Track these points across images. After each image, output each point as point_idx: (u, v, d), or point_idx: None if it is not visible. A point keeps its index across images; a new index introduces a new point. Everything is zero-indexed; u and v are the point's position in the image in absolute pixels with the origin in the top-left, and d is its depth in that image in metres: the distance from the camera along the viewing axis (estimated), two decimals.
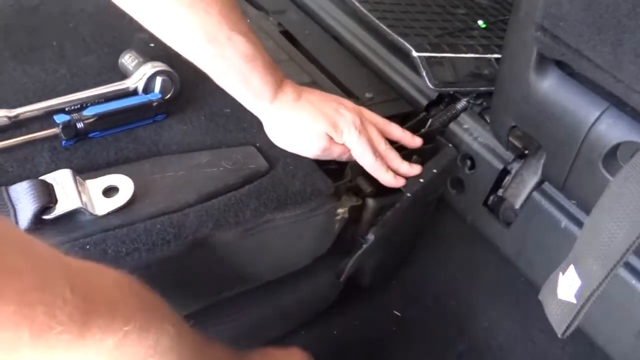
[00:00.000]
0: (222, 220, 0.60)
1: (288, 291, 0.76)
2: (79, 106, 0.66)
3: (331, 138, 0.67)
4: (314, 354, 0.76)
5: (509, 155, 0.73)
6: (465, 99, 0.80)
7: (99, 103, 0.67)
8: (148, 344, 0.44)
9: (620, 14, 0.47)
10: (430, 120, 0.80)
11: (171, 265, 0.58)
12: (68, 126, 0.62)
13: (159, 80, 0.70)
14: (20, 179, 0.56)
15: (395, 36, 0.83)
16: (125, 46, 0.74)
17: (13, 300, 0.33)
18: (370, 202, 0.72)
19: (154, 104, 0.67)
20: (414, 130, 0.76)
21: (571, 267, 0.46)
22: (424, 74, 0.78)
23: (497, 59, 0.84)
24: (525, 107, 0.63)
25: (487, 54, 0.86)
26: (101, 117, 0.64)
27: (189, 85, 0.73)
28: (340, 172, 0.72)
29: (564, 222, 0.68)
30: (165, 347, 0.47)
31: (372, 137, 0.69)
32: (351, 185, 0.72)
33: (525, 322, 0.85)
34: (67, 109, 0.65)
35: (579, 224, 0.67)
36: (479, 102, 0.80)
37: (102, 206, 0.57)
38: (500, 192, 0.75)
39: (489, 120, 0.77)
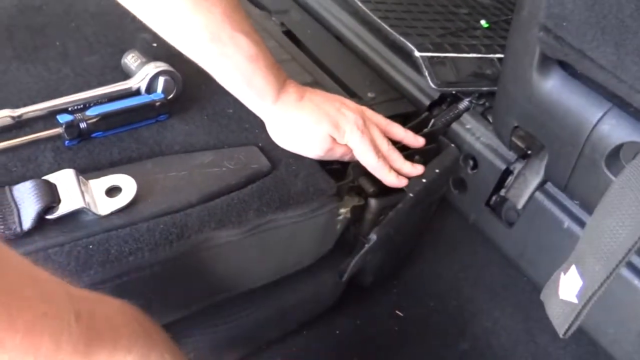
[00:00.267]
0: (225, 220, 0.60)
1: (290, 291, 0.76)
2: (82, 106, 0.66)
3: (334, 138, 0.67)
4: (315, 353, 0.76)
5: (511, 156, 0.73)
6: (467, 99, 0.80)
7: (102, 103, 0.67)
8: None
9: (624, 15, 0.47)
10: (432, 120, 0.80)
11: (174, 265, 0.58)
12: (71, 126, 0.62)
13: (161, 80, 0.70)
14: (24, 179, 0.56)
15: (398, 36, 0.83)
16: (128, 46, 0.74)
17: (21, 330, 0.34)
18: (373, 202, 0.72)
19: (157, 104, 0.67)
20: (417, 130, 0.76)
21: (573, 267, 0.46)
22: (427, 73, 0.78)
23: (499, 59, 0.84)
24: (528, 107, 0.63)
25: (489, 53, 0.85)
26: (104, 117, 0.64)
27: (191, 86, 0.73)
28: (342, 172, 0.72)
29: (567, 222, 0.68)
30: None
31: (375, 137, 0.69)
32: (353, 185, 0.72)
33: (528, 322, 0.85)
34: (70, 109, 0.65)
35: (582, 224, 0.67)
36: (481, 102, 0.80)
37: (105, 206, 0.57)
38: (502, 192, 0.75)
39: (491, 120, 0.77)
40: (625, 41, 0.48)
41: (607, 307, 0.60)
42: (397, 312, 0.89)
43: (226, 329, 0.71)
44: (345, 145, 0.68)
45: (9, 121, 0.62)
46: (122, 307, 0.46)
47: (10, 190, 0.55)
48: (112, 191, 0.58)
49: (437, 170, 0.73)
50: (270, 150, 0.69)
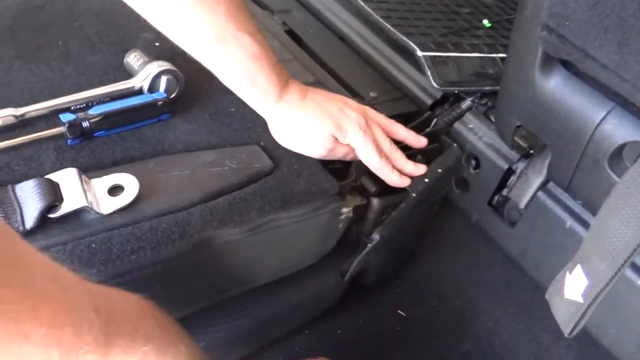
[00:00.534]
0: (227, 219, 0.60)
1: (292, 290, 0.76)
2: (84, 105, 0.66)
3: (336, 138, 0.67)
4: (317, 353, 0.76)
5: (514, 155, 0.73)
6: (470, 99, 0.80)
7: (104, 102, 0.67)
8: None
9: (627, 14, 0.47)
10: (435, 119, 0.80)
11: (176, 264, 0.58)
12: (74, 125, 0.62)
13: (164, 79, 0.70)
14: (26, 178, 0.56)
15: (400, 35, 0.83)
16: (131, 45, 0.74)
17: (45, 323, 0.35)
18: (375, 201, 0.72)
19: (159, 103, 0.68)
20: (419, 129, 0.76)
21: (578, 267, 0.46)
22: (429, 73, 0.78)
23: (502, 59, 0.84)
24: (531, 106, 0.62)
25: (492, 53, 0.85)
26: (107, 116, 0.64)
27: (193, 85, 0.73)
28: (344, 171, 0.72)
29: (569, 222, 0.68)
30: None
31: (377, 137, 0.69)
32: (355, 185, 0.72)
33: (530, 322, 0.85)
34: (72, 108, 0.66)
35: (584, 224, 0.67)
36: (483, 101, 0.80)
37: (108, 205, 0.57)
38: (505, 191, 0.75)
39: (493, 120, 0.76)
40: (628, 40, 0.48)
41: (609, 307, 0.60)
42: (399, 311, 0.89)
43: (228, 328, 0.71)
44: (348, 145, 0.68)
45: (11, 120, 0.62)
46: (139, 301, 0.48)
47: (13, 189, 0.55)
48: (115, 190, 0.58)
49: (439, 170, 0.73)
50: (273, 149, 0.69)
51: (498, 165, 0.74)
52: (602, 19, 0.49)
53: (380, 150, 0.68)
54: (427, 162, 0.74)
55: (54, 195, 0.54)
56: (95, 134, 0.64)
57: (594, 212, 0.59)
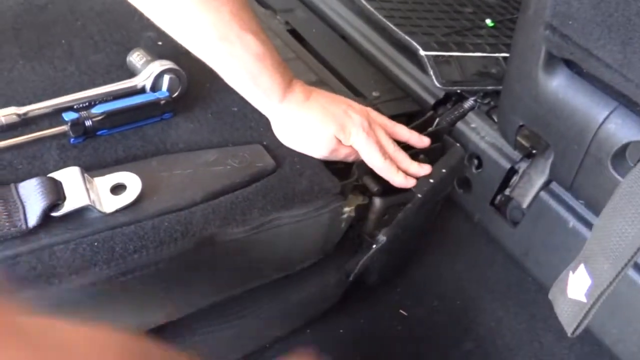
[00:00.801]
0: (229, 218, 0.60)
1: (294, 289, 0.76)
2: (87, 104, 0.66)
3: (339, 140, 0.67)
4: (319, 352, 0.76)
5: (516, 155, 0.73)
6: (472, 98, 0.80)
7: (107, 101, 0.67)
8: None
9: (630, 13, 0.47)
10: (437, 119, 0.80)
11: (178, 263, 0.58)
12: (76, 124, 0.62)
13: (166, 78, 0.70)
14: (29, 176, 0.56)
15: (403, 35, 0.83)
16: (134, 44, 0.74)
17: None
18: (377, 201, 0.72)
19: (162, 102, 0.68)
20: (421, 129, 0.76)
21: (582, 266, 0.46)
22: (431, 72, 0.78)
23: (504, 58, 0.84)
24: (534, 106, 0.62)
25: (494, 52, 0.85)
26: (109, 115, 0.64)
27: (196, 84, 0.73)
28: (346, 170, 0.72)
29: (572, 221, 0.68)
30: None
31: (381, 138, 0.69)
32: (357, 184, 0.72)
33: (532, 322, 0.85)
34: (75, 107, 0.66)
35: (587, 223, 0.67)
36: (486, 101, 0.80)
37: (110, 204, 0.57)
38: (507, 191, 0.74)
39: (496, 120, 0.76)
40: (632, 39, 0.48)
41: (612, 306, 0.60)
42: (401, 311, 0.89)
43: (230, 327, 0.71)
44: (350, 146, 0.68)
45: (14, 119, 0.62)
46: None
47: (16, 188, 0.55)
48: (117, 189, 0.58)
49: (443, 170, 0.73)
50: (275, 148, 0.69)
51: (501, 165, 0.74)
52: (606, 18, 0.49)
53: (384, 152, 0.68)
54: (429, 161, 0.74)
55: (56, 193, 0.54)
56: (98, 133, 0.64)
57: (596, 212, 0.58)
